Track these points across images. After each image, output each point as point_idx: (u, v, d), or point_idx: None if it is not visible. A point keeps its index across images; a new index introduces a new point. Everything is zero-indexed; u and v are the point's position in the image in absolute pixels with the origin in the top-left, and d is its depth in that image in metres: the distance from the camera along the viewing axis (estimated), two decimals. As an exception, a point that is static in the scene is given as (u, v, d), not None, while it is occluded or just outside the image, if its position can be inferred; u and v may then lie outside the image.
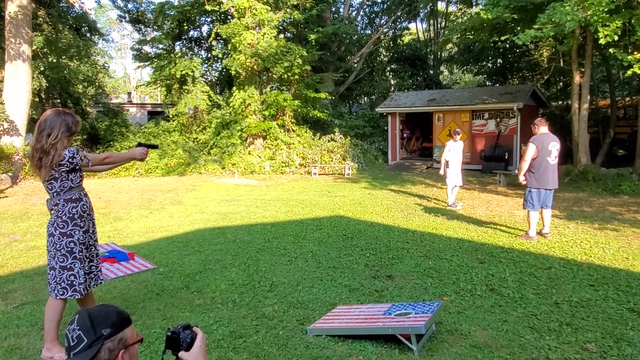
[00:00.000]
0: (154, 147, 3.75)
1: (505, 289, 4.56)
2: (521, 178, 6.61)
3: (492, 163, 15.00)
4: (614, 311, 3.98)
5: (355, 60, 23.76)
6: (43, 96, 18.84)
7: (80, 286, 3.26)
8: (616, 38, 9.33)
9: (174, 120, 20.28)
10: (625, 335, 3.53)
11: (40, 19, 17.49)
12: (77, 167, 3.25)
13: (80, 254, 3.28)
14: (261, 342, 3.46)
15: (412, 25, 30.25)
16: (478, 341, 3.45)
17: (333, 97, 21.20)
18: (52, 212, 3.26)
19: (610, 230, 7.00)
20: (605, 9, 8.93)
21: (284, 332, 3.64)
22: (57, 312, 3.26)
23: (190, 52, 22.56)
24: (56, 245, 3.22)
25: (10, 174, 12.65)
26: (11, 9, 13.06)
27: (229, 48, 17.64)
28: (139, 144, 3.58)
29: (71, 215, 3.24)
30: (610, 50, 10.50)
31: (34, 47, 15.09)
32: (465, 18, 22.99)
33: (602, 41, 9.37)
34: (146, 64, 23.08)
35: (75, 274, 3.25)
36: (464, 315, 3.93)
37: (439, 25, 28.52)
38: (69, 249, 3.23)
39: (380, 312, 3.68)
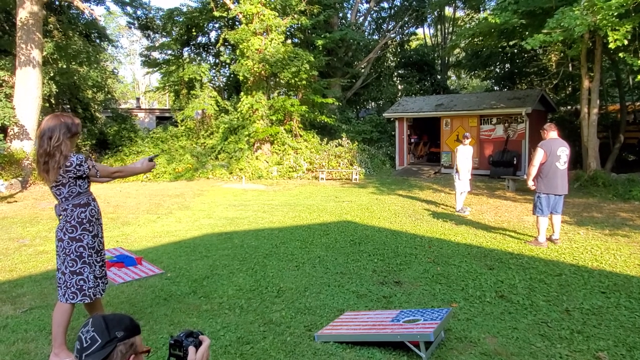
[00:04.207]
0: (155, 155, 3.79)
1: (515, 295, 4.51)
2: (530, 183, 6.56)
3: (501, 168, 14.90)
4: (626, 319, 3.92)
5: (363, 66, 23.79)
6: (53, 101, 19.04)
7: (89, 290, 3.27)
8: (626, 42, 9.25)
9: (181, 125, 20.41)
10: (639, 343, 3.47)
11: (51, 25, 17.73)
12: (84, 176, 3.25)
13: (89, 258, 3.29)
14: (269, 349, 3.44)
15: (419, 31, 30.28)
16: (488, 349, 3.41)
17: (340, 103, 21.21)
18: (61, 217, 3.27)
19: (621, 236, 6.92)
20: (615, 13, 8.86)
21: (291, 338, 3.62)
22: (66, 317, 3.26)
23: (199, 58, 22.77)
24: (65, 250, 3.23)
25: (20, 178, 12.76)
26: (22, 15, 13.24)
27: (237, 53, 17.75)
28: (150, 159, 3.60)
29: (80, 219, 3.25)
30: (620, 54, 10.42)
31: (45, 53, 15.29)
32: (473, 23, 22.96)
33: (611, 45, 9.30)
34: (155, 69, 23.32)
35: (85, 278, 3.26)
36: (474, 322, 3.89)
37: (446, 31, 28.50)
38: (78, 253, 3.24)
39: (388, 318, 3.65)
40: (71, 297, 3.23)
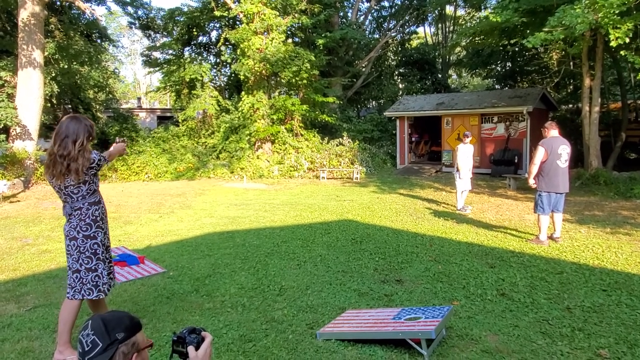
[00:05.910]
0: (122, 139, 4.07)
1: (516, 293, 4.52)
2: (531, 181, 6.57)
3: (502, 167, 14.90)
4: (628, 316, 3.93)
5: (364, 65, 23.78)
6: (54, 102, 19.09)
7: (104, 286, 3.37)
8: (627, 40, 9.24)
9: (183, 125, 20.45)
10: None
11: (52, 25, 17.75)
12: (99, 168, 3.37)
13: (102, 255, 3.38)
14: (271, 346, 3.46)
15: (420, 29, 30.29)
16: (489, 346, 3.42)
17: (341, 102, 21.21)
18: (72, 216, 3.29)
19: (622, 234, 6.92)
20: (617, 11, 8.85)
21: (293, 336, 3.64)
22: (72, 314, 3.30)
23: (200, 58, 22.76)
24: (80, 248, 3.28)
25: (22, 178, 12.79)
26: (24, 15, 13.25)
27: (238, 53, 17.75)
28: (117, 141, 3.85)
29: (94, 217, 3.33)
30: (622, 52, 10.41)
31: (46, 53, 15.30)
32: (474, 22, 22.93)
33: (613, 43, 9.29)
34: (156, 69, 23.33)
35: (100, 274, 3.35)
36: (475, 320, 3.90)
37: (447, 29, 28.47)
38: (93, 250, 3.31)
39: (389, 316, 3.66)
40: (87, 294, 3.30)
